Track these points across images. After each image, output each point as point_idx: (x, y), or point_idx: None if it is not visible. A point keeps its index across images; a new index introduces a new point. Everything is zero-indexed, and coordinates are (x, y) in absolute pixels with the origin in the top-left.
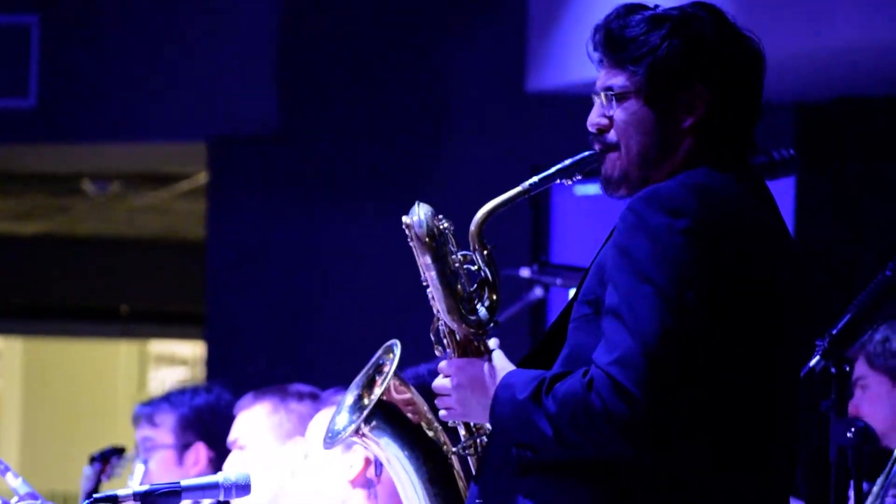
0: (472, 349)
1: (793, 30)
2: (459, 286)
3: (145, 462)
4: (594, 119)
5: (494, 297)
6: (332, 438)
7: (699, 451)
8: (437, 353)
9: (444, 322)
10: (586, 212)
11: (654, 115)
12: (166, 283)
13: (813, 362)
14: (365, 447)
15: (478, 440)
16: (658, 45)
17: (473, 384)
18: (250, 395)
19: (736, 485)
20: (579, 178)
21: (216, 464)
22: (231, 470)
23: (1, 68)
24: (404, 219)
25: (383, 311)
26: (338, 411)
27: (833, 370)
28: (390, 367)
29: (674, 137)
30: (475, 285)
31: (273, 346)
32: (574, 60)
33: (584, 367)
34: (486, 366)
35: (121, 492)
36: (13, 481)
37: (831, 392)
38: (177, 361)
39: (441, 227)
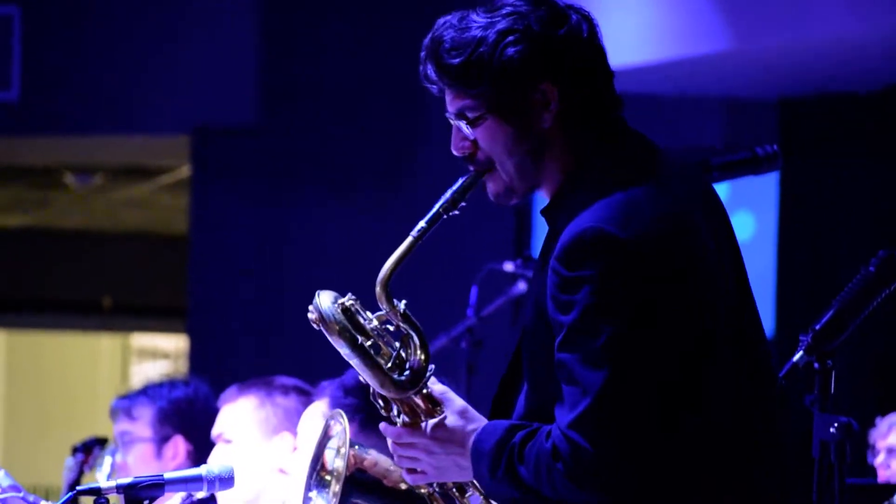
0: (420, 402)
1: (776, 26)
2: (384, 353)
3: (113, 454)
4: (458, 144)
5: (421, 351)
6: None
7: (684, 485)
8: (381, 412)
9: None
10: None
11: (514, 128)
12: (149, 276)
13: (796, 357)
14: None
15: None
16: (489, 61)
17: (447, 448)
18: (235, 387)
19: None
20: (464, 204)
21: (195, 456)
22: (215, 463)
23: None
24: (310, 315)
25: (367, 303)
26: (307, 495)
27: (816, 365)
28: (345, 438)
29: (541, 140)
30: (399, 343)
31: (256, 339)
32: None
33: (546, 427)
34: (450, 426)
35: (104, 484)
36: None
37: (814, 387)
38: (159, 355)
39: (346, 305)
